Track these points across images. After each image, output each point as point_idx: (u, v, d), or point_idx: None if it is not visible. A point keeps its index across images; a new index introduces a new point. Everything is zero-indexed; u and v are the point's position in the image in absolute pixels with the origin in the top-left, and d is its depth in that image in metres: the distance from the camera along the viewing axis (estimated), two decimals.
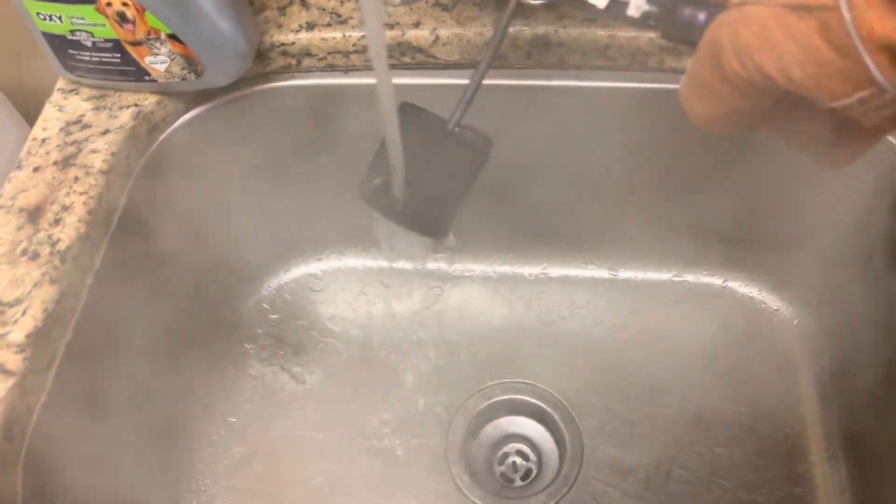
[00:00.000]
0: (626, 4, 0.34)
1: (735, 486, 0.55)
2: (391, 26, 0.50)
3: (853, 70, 0.25)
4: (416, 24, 0.50)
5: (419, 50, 0.51)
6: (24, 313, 0.41)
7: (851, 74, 0.25)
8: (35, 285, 0.42)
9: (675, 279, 0.64)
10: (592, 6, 0.35)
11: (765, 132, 0.33)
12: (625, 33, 0.49)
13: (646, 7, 0.34)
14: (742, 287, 0.63)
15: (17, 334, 0.41)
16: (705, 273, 0.64)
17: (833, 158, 0.33)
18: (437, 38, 0.50)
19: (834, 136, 0.32)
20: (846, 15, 0.24)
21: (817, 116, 0.32)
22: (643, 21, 0.34)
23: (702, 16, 0.32)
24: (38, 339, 0.41)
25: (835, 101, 0.26)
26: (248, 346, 0.64)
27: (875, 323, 0.54)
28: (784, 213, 0.57)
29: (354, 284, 0.67)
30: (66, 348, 0.43)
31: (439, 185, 0.43)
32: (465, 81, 0.40)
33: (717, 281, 0.64)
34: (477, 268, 0.67)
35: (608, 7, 0.35)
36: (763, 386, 0.59)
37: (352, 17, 0.52)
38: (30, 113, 0.67)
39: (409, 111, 0.42)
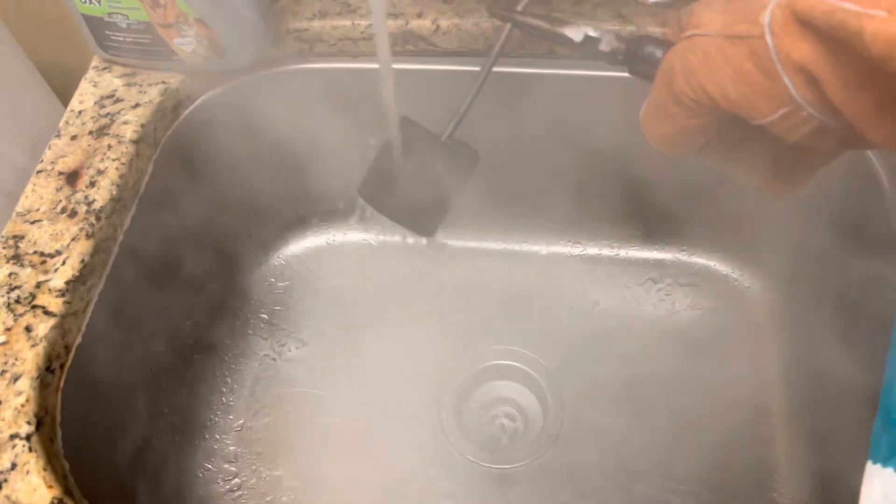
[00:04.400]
0: (598, 40, 0.38)
1: (705, 445, 0.60)
2: (395, 16, 0.55)
3: (777, 90, 0.29)
4: (419, 15, 0.55)
5: (421, 38, 0.56)
6: (63, 263, 0.46)
7: (776, 94, 0.29)
8: (73, 239, 0.48)
9: (654, 257, 0.69)
10: (570, 40, 0.39)
11: (714, 160, 0.38)
12: (614, 26, 0.53)
13: (615, 44, 0.38)
14: (716, 265, 0.68)
15: (58, 281, 0.46)
16: (682, 252, 0.69)
17: (773, 189, 0.38)
18: (438, 27, 0.55)
19: (773, 168, 0.37)
20: (769, 41, 0.29)
21: (759, 147, 0.36)
22: (613, 56, 0.38)
23: (659, 53, 0.36)
24: (76, 286, 0.46)
25: (763, 118, 0.30)
26: (257, 312, 0.69)
27: (839, 299, 0.58)
28: (755, 195, 0.61)
29: (356, 256, 0.72)
30: (98, 296, 0.48)
31: (431, 191, 0.48)
32: (463, 68, 0.45)
33: (692, 259, 0.69)
34: (470, 243, 0.71)
35: (583, 41, 0.39)
36: (733, 356, 0.64)
37: (361, 7, 0.56)
38: (61, 90, 0.72)
39: (408, 125, 0.47)
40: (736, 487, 0.57)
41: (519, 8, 0.43)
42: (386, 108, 0.42)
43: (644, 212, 0.66)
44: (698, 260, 0.68)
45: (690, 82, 0.32)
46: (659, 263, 0.69)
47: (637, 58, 0.37)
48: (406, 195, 0.48)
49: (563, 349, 0.65)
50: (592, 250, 0.70)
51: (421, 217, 0.50)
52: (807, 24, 0.27)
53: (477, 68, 0.47)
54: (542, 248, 0.71)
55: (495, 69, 0.56)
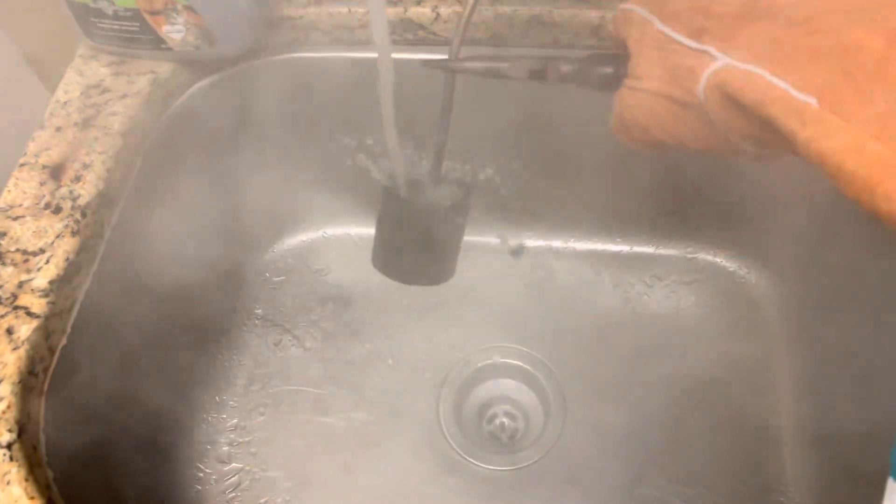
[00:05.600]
0: (543, 71, 0.38)
1: (710, 447, 0.58)
2: (393, 3, 0.53)
3: (734, 146, 0.30)
4: (418, 2, 0.53)
5: (420, 27, 0.54)
6: (47, 262, 0.45)
7: (734, 146, 0.30)
8: (57, 236, 0.46)
9: (658, 253, 0.67)
10: (514, 78, 0.38)
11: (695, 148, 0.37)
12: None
13: (562, 70, 0.37)
14: (722, 261, 0.66)
15: (41, 280, 0.44)
16: (687, 248, 0.67)
17: (759, 159, 0.37)
18: (438, 15, 0.53)
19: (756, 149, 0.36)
20: (713, 116, 0.29)
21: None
22: (561, 81, 0.38)
23: (609, 69, 0.36)
24: (60, 286, 0.44)
25: (731, 158, 0.31)
26: (251, 309, 0.67)
27: (849, 298, 0.57)
28: (760, 190, 0.60)
29: (353, 252, 0.70)
30: (85, 295, 0.46)
31: (435, 245, 0.48)
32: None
33: (697, 255, 0.67)
34: (469, 239, 0.69)
35: (529, 76, 0.38)
36: (740, 355, 0.62)
37: None
38: (48, 78, 0.70)
39: (388, 196, 0.47)
40: (742, 491, 0.56)
41: (454, 55, 0.41)
42: (384, 106, 0.40)
43: (649, 208, 0.64)
44: (705, 256, 0.67)
45: (645, 134, 0.33)
46: (664, 260, 0.67)
47: (588, 80, 0.37)
48: (413, 257, 0.48)
49: (565, 347, 0.63)
50: (596, 246, 0.68)
51: (435, 270, 0.50)
52: (743, 107, 0.27)
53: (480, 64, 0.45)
54: (545, 244, 0.69)
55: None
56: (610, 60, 0.36)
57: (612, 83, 0.35)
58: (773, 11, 0.27)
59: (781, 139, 0.26)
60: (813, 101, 0.24)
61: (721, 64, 0.27)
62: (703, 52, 0.28)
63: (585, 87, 0.37)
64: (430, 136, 0.54)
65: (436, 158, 0.45)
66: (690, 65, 0.29)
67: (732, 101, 0.27)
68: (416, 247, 0.47)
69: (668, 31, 0.30)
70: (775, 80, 0.25)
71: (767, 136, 0.27)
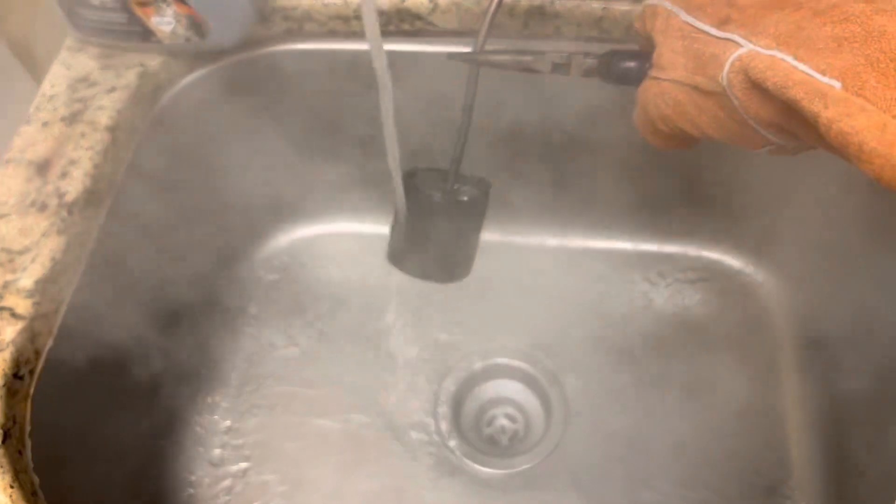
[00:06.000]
0: (567, 66, 0.38)
1: (715, 449, 0.57)
2: None
3: (755, 135, 0.30)
4: None
5: (418, 17, 0.52)
6: (32, 261, 0.43)
7: (756, 138, 0.30)
8: (43, 235, 0.44)
9: (663, 251, 0.66)
10: (539, 71, 0.39)
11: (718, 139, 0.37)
12: (619, 6, 0.50)
13: (586, 64, 0.38)
14: (727, 259, 0.65)
15: (27, 281, 0.42)
16: (691, 245, 0.66)
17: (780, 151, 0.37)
18: (437, 5, 0.51)
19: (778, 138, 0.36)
20: (734, 102, 0.29)
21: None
22: (586, 75, 0.38)
23: (632, 64, 0.36)
24: (46, 286, 0.43)
25: (749, 150, 0.31)
26: (245, 307, 0.66)
27: (856, 295, 0.56)
28: (767, 188, 0.59)
29: (350, 249, 0.68)
30: (72, 296, 0.45)
31: (452, 242, 0.48)
32: (463, 50, 0.41)
33: (702, 253, 0.66)
34: None
35: (553, 70, 0.38)
36: (745, 354, 0.61)
37: None
38: (37, 70, 0.68)
39: (409, 184, 0.46)
40: (747, 494, 0.55)
41: (479, 48, 0.41)
42: (382, 103, 0.39)
43: (654, 205, 0.63)
44: (709, 254, 0.66)
45: (668, 125, 0.33)
46: (669, 258, 0.66)
47: (611, 74, 0.37)
48: (430, 253, 0.48)
49: (566, 346, 0.62)
50: (598, 244, 0.67)
51: (451, 266, 0.49)
52: (766, 90, 0.27)
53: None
54: (547, 241, 0.67)
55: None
56: (633, 56, 0.36)
57: (635, 78, 0.35)
58: (799, 0, 0.27)
59: (804, 126, 0.26)
60: (836, 83, 0.24)
61: (745, 50, 0.28)
62: (728, 39, 0.29)
63: (609, 81, 0.37)
64: (430, 132, 0.53)
65: (456, 154, 0.44)
66: (715, 52, 0.29)
67: (756, 86, 0.27)
68: (435, 242, 0.47)
69: (692, 20, 0.31)
70: (799, 65, 0.25)
71: (790, 122, 0.27)
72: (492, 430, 0.61)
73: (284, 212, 0.68)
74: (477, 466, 0.57)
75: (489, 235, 0.68)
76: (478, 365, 0.62)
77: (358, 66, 0.55)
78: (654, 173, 0.59)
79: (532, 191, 0.64)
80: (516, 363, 0.62)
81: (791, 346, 0.61)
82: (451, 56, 0.40)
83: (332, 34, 0.54)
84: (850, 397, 0.55)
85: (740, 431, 0.57)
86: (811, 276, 0.61)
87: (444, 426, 0.59)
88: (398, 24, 0.53)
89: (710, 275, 0.65)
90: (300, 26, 0.54)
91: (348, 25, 0.53)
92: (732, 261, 0.65)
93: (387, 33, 0.52)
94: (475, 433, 0.60)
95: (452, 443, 0.58)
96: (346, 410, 0.60)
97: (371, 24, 0.36)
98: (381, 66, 0.38)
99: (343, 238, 0.69)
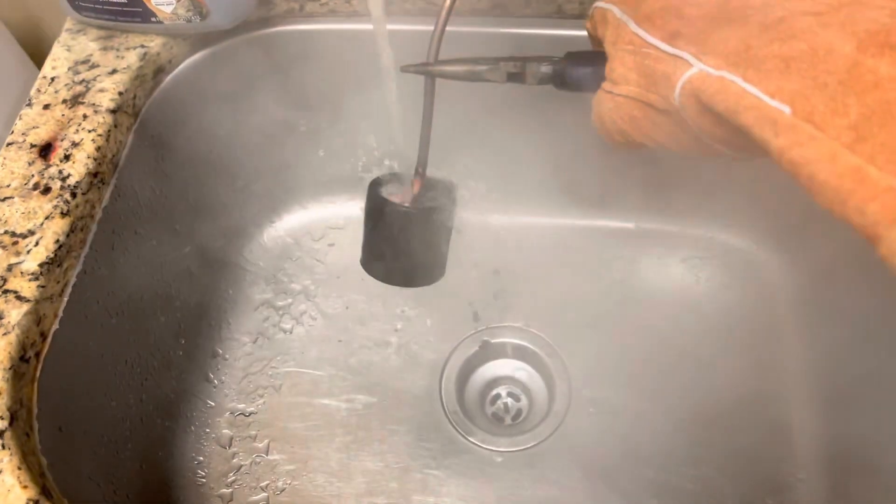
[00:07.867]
0: (522, 74, 0.38)
1: (719, 428, 0.57)
2: None
3: (713, 149, 0.30)
4: None
5: None
6: (36, 244, 0.43)
7: (713, 151, 0.30)
8: (47, 218, 0.44)
9: (667, 229, 0.66)
10: (493, 81, 0.38)
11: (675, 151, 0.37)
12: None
13: (540, 72, 0.37)
14: (732, 238, 0.65)
15: (31, 263, 0.43)
16: (696, 225, 0.65)
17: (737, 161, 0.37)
18: None
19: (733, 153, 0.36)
20: (688, 121, 0.29)
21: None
22: (541, 82, 0.38)
23: (587, 70, 0.36)
24: (51, 269, 0.43)
25: (707, 160, 0.32)
26: (249, 290, 0.66)
27: (866, 280, 0.55)
28: (772, 168, 0.58)
29: (353, 232, 0.68)
30: (76, 278, 0.45)
31: (421, 246, 0.47)
32: (467, 29, 0.41)
33: (707, 232, 0.65)
34: (473, 217, 0.68)
35: (508, 79, 0.38)
36: (752, 335, 0.61)
37: None
38: (36, 53, 0.68)
39: (372, 194, 0.45)
40: (751, 473, 0.55)
41: (432, 59, 0.40)
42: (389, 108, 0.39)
43: (660, 184, 0.62)
44: (714, 234, 0.65)
45: (623, 136, 0.33)
46: (673, 236, 0.66)
47: (565, 82, 0.37)
48: (400, 258, 0.47)
49: (572, 325, 0.62)
50: (602, 222, 0.67)
51: (423, 270, 0.48)
52: (718, 114, 0.27)
53: (484, 29, 0.43)
54: (554, 221, 0.67)
55: (500, 29, 0.52)
56: (589, 59, 0.36)
57: (592, 83, 0.35)
58: (747, 13, 0.27)
59: (757, 145, 0.26)
60: (786, 108, 0.24)
61: (695, 70, 0.27)
62: (678, 57, 0.28)
63: (563, 89, 0.37)
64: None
65: (419, 163, 0.43)
66: (665, 71, 0.29)
67: (707, 109, 0.27)
68: (401, 251, 0.46)
69: (642, 33, 0.30)
70: (748, 87, 0.25)
71: (743, 141, 0.27)
72: (495, 408, 0.61)
73: (287, 194, 0.68)
74: (481, 445, 0.57)
75: (500, 216, 0.68)
76: (482, 344, 0.62)
77: (360, 47, 0.55)
78: (661, 154, 0.59)
79: (539, 169, 0.63)
80: (520, 342, 0.62)
81: (799, 329, 0.61)
82: (403, 68, 0.39)
83: (333, 14, 0.54)
84: (856, 379, 0.55)
85: (744, 410, 0.57)
86: (816, 256, 0.61)
87: (448, 405, 0.59)
88: (401, 2, 0.52)
89: (713, 254, 0.65)
90: (301, 6, 0.53)
91: (350, 5, 0.53)
92: (736, 240, 0.65)
93: (388, 13, 0.52)
94: (479, 411, 0.61)
95: (457, 420, 0.59)
96: (352, 391, 0.60)
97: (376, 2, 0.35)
98: (384, 44, 0.37)
99: (346, 221, 0.69)
